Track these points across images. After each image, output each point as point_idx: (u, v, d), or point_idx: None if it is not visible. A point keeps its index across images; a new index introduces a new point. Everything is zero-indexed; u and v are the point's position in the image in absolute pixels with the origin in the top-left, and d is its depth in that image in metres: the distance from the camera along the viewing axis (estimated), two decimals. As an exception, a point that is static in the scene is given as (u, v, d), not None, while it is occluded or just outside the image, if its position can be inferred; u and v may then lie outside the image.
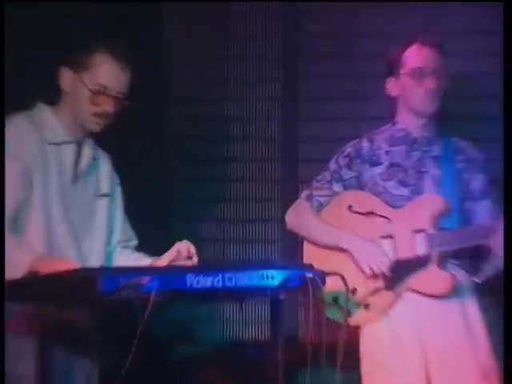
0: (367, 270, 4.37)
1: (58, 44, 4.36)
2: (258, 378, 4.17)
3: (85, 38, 4.11)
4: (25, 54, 4.79)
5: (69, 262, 3.61)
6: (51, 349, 3.58)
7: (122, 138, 4.30)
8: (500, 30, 4.87)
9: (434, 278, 4.34)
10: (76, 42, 4.09)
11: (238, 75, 5.74)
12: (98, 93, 3.97)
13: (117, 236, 4.24)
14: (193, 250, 4.00)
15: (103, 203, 4.17)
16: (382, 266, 4.37)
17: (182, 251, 4.00)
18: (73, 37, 4.31)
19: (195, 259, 4.00)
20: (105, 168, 4.22)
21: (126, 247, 4.26)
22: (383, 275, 4.39)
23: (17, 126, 3.93)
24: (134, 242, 4.30)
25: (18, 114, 4.00)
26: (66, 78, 4.00)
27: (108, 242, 4.20)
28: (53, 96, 4.10)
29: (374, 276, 4.39)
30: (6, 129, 3.90)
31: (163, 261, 4.03)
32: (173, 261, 4.03)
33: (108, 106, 3.99)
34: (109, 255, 4.21)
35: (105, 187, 4.19)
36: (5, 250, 3.73)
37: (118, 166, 4.31)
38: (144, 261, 4.14)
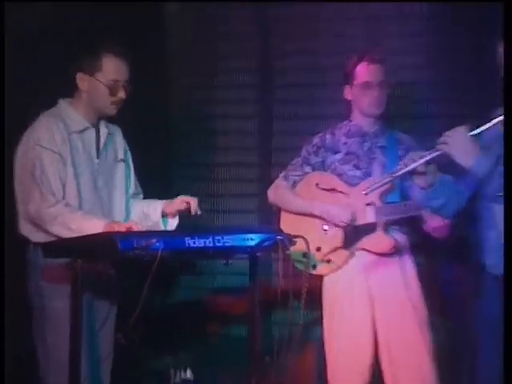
0: (341, 224, 4.55)
1: (68, 51, 4.35)
2: (240, 316, 4.30)
3: (91, 46, 4.17)
4: (41, 61, 4.74)
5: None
6: (80, 292, 3.60)
7: (128, 114, 4.28)
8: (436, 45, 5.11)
9: (380, 240, 4.54)
10: (84, 50, 4.16)
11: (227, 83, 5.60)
12: (112, 86, 4.11)
13: (131, 190, 4.37)
14: (197, 204, 4.13)
15: (121, 166, 4.32)
16: (348, 219, 4.53)
17: (192, 204, 4.14)
18: (81, 45, 4.31)
19: (198, 212, 4.16)
20: (119, 138, 4.34)
21: (136, 199, 4.40)
22: (344, 233, 4.56)
23: (47, 123, 4.07)
24: (141, 196, 4.44)
25: (45, 112, 4.13)
26: (83, 80, 4.11)
27: (127, 198, 4.34)
28: (70, 93, 4.17)
29: (342, 228, 4.56)
30: (36, 125, 4.06)
31: (173, 206, 4.20)
32: (181, 210, 4.24)
33: (121, 94, 4.13)
34: (127, 205, 4.33)
35: (120, 153, 4.32)
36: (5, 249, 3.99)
37: (127, 136, 4.39)
38: (155, 203, 4.31)
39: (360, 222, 4.59)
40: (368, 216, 4.58)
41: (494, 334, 3.57)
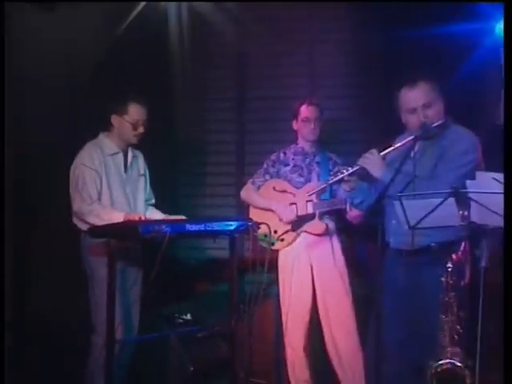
0: (284, 220, 4.51)
1: (107, 100, 4.24)
2: (224, 275, 4.25)
3: (121, 96, 4.12)
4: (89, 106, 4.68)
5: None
6: (115, 262, 3.64)
7: (146, 143, 4.24)
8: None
9: (316, 225, 4.49)
10: (117, 99, 4.12)
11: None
12: (135, 124, 4.06)
13: (146, 196, 4.27)
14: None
15: (142, 179, 4.24)
16: (291, 218, 4.50)
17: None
18: (114, 95, 4.22)
19: None
20: (141, 160, 4.25)
21: (149, 204, 4.30)
22: (291, 223, 4.51)
23: (89, 149, 4.06)
24: (153, 201, 4.33)
25: (89, 142, 4.10)
26: (115, 119, 4.08)
27: (145, 201, 4.26)
28: (107, 128, 4.13)
29: (288, 223, 4.52)
30: (83, 151, 4.04)
31: (170, 218, 4.11)
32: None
33: (141, 129, 4.08)
34: (144, 206, 4.25)
35: (142, 170, 4.24)
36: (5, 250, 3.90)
37: (146, 158, 4.31)
38: (158, 214, 4.22)
39: (303, 213, 4.53)
40: (308, 209, 4.52)
41: (393, 289, 3.53)
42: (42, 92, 4.44)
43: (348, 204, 4.26)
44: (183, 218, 4.01)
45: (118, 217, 3.85)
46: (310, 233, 4.52)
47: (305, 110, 4.60)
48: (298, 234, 4.55)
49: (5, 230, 3.84)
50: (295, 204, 4.56)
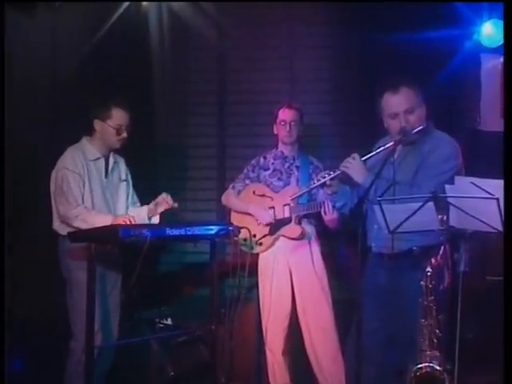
0: (262, 223, 4.49)
1: (89, 105, 4.20)
2: (205, 279, 4.22)
3: (104, 101, 4.09)
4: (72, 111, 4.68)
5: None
6: (94, 266, 3.59)
7: (127, 147, 4.19)
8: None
9: (293, 229, 4.47)
10: (100, 104, 4.08)
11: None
12: (118, 129, 4.03)
13: (129, 200, 4.23)
14: (170, 198, 4.04)
15: (123, 184, 4.20)
16: (268, 220, 4.49)
17: (166, 197, 4.05)
18: (97, 100, 4.19)
19: (171, 202, 4.07)
20: (122, 165, 4.22)
21: (134, 206, 4.23)
22: (269, 226, 4.50)
23: (72, 153, 4.02)
24: (139, 205, 4.26)
25: (71, 146, 4.06)
26: (98, 124, 4.04)
27: (127, 205, 4.21)
28: (89, 132, 4.09)
29: (265, 226, 4.50)
30: (65, 155, 4.01)
31: (153, 204, 4.10)
32: (158, 203, 4.12)
33: (124, 134, 4.04)
34: (126, 211, 4.17)
35: (123, 175, 4.21)
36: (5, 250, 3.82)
37: (128, 163, 4.28)
38: (143, 207, 4.17)
39: (280, 216, 4.52)
40: (285, 213, 4.50)
41: (374, 293, 3.52)
42: (23, 95, 4.38)
43: (324, 208, 4.25)
44: (175, 204, 3.99)
45: (105, 220, 3.82)
46: (287, 237, 4.49)
47: (282, 113, 4.58)
48: (276, 238, 4.52)
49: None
50: (273, 208, 4.54)
